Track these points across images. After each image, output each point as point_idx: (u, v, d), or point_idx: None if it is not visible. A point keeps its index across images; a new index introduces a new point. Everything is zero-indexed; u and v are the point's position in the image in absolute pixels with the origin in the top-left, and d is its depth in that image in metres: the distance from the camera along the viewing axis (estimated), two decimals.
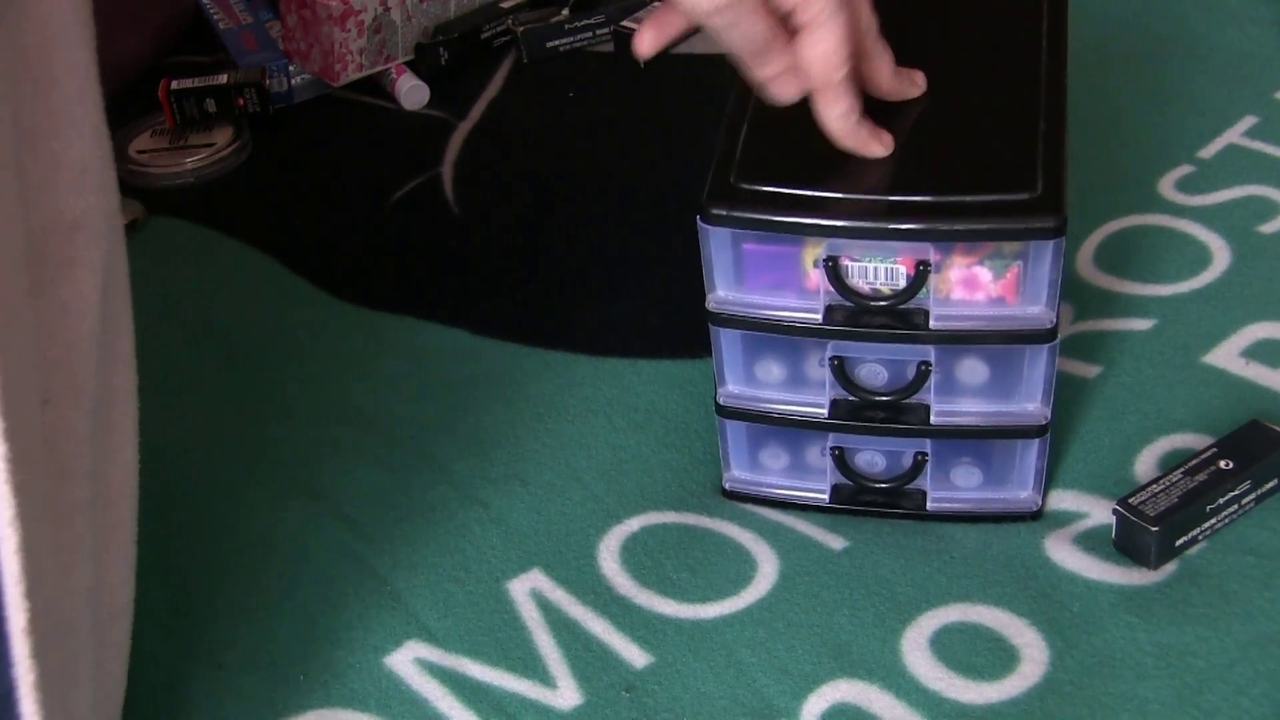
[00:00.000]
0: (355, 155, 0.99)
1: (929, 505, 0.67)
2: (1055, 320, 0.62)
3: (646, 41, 0.63)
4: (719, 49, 1.06)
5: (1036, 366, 0.64)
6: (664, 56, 1.03)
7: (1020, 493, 0.67)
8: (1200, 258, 0.80)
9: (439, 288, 0.85)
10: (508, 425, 0.75)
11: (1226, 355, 0.74)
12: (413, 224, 0.91)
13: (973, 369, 0.64)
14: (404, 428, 0.76)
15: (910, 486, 0.67)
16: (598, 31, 1.05)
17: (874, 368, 0.65)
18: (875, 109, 0.64)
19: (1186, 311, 0.77)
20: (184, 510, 0.73)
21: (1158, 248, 0.81)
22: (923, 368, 0.64)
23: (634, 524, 0.69)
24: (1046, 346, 0.63)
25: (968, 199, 0.60)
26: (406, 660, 0.64)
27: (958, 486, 0.67)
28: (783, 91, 0.62)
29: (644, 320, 0.81)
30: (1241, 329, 0.75)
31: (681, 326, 0.80)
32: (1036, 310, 0.62)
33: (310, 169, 0.98)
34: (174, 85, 0.99)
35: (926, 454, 0.66)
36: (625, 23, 1.03)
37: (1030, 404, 0.65)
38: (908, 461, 0.67)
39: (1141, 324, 0.77)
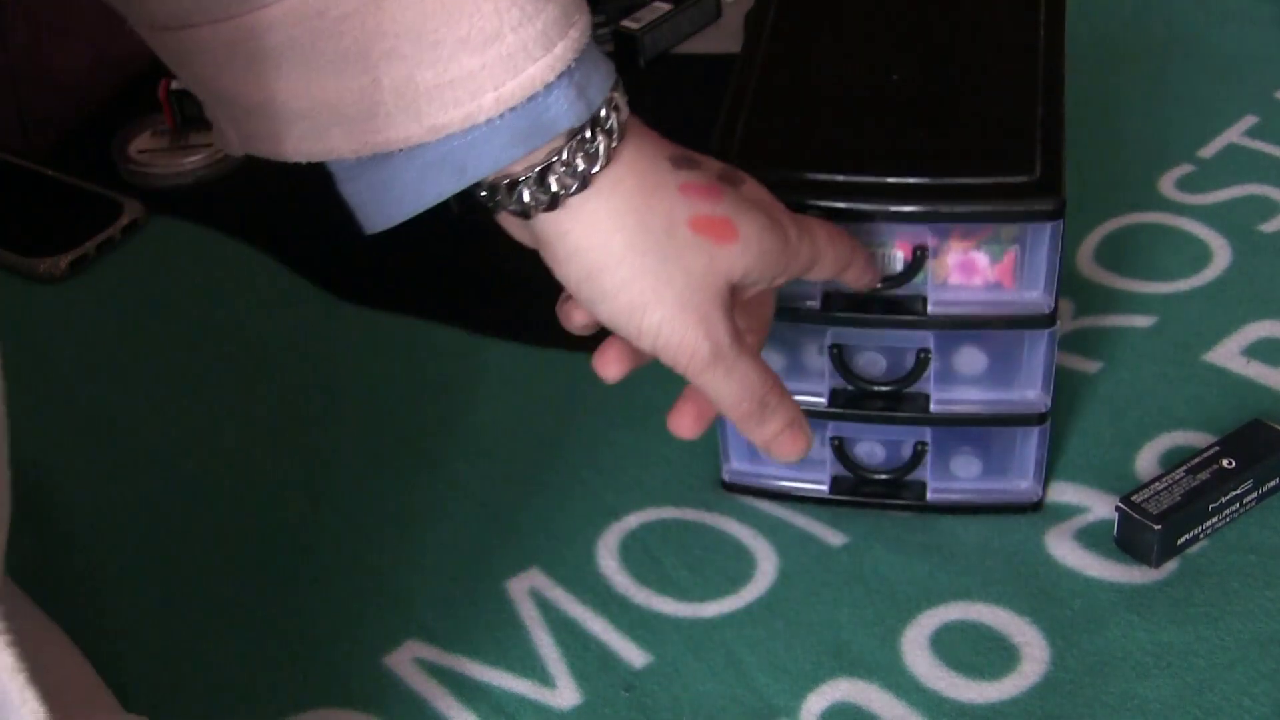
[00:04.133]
0: None
1: (929, 496, 0.67)
2: (1054, 305, 0.62)
3: (611, 365, 0.57)
4: (718, 49, 1.06)
5: (1036, 353, 0.63)
6: (664, 56, 1.03)
7: (1021, 483, 0.67)
8: (1201, 256, 0.80)
9: (439, 287, 0.85)
10: (506, 424, 0.75)
11: (1227, 354, 0.74)
12: (413, 224, 0.91)
13: (972, 357, 0.64)
14: (403, 427, 0.76)
15: (910, 477, 0.67)
16: (598, 31, 1.05)
17: (872, 356, 0.65)
18: (873, 87, 0.65)
19: (1187, 309, 0.77)
20: (182, 510, 0.73)
21: (1158, 246, 0.81)
22: (922, 355, 0.64)
23: (633, 520, 0.69)
24: (1045, 332, 0.62)
25: (966, 181, 0.60)
26: (405, 660, 0.64)
27: (958, 476, 0.67)
28: (791, 449, 0.56)
29: None
30: (1242, 327, 0.75)
31: None
32: (1034, 295, 0.62)
33: (310, 168, 0.98)
34: (174, 85, 0.98)
35: (926, 444, 0.66)
36: (625, 22, 1.03)
37: (1030, 391, 0.65)
38: (907, 452, 0.67)
39: (1142, 321, 0.76)
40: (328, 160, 0.51)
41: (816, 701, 0.61)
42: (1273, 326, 0.75)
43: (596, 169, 0.51)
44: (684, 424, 0.57)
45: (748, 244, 0.53)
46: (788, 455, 0.57)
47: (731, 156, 0.63)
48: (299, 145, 0.50)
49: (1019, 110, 0.63)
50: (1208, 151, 0.87)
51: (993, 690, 0.60)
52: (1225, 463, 0.65)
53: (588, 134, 0.50)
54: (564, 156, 0.50)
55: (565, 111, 0.49)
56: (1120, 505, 0.64)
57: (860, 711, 0.60)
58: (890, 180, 0.61)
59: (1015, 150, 0.61)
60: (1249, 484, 0.65)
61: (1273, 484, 0.66)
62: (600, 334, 0.56)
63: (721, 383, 0.54)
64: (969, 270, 0.62)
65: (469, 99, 0.48)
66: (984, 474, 0.67)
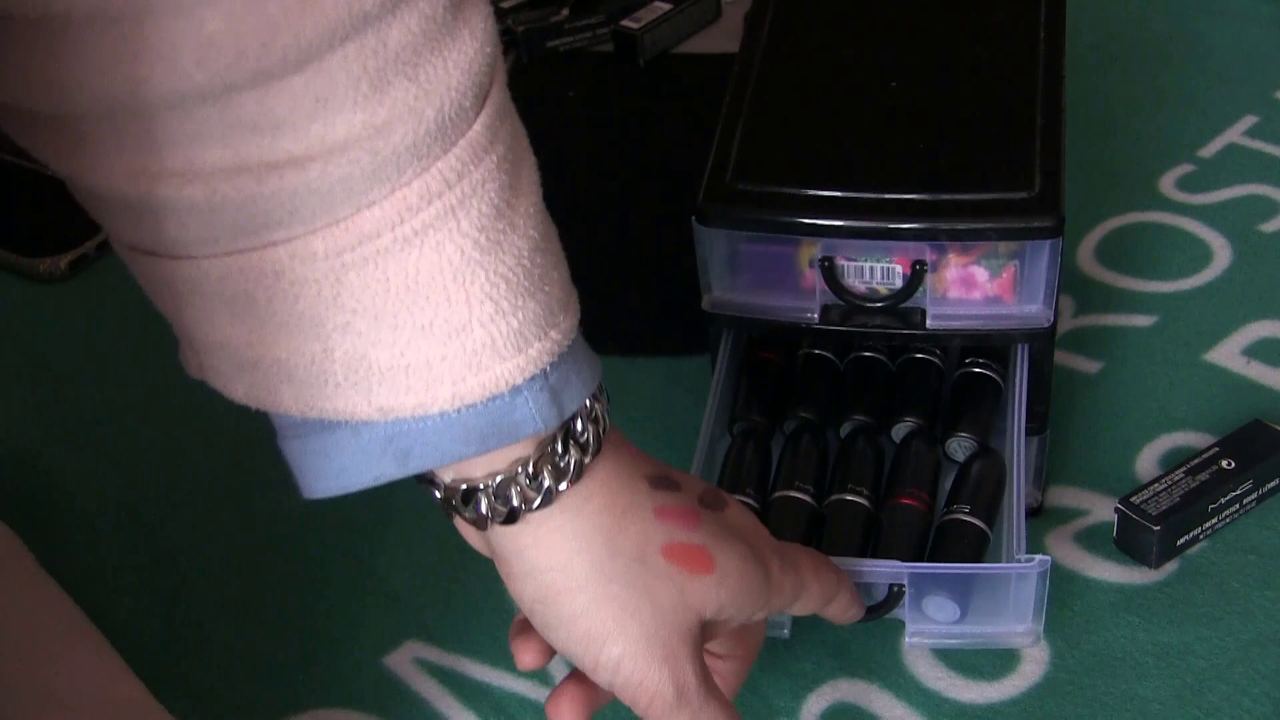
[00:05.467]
0: None
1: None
2: (1053, 319, 0.61)
3: (565, 712, 0.51)
4: (718, 49, 1.06)
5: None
6: (664, 56, 1.03)
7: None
8: (1201, 256, 0.80)
9: None
10: None
11: (1228, 353, 0.74)
12: None
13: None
14: None
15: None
16: (598, 31, 1.05)
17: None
18: (872, 94, 0.64)
19: (1187, 309, 0.77)
20: (183, 510, 0.73)
21: (1159, 245, 0.81)
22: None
23: None
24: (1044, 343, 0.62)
25: (964, 198, 0.60)
26: (406, 660, 0.64)
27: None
28: None
29: (641, 318, 0.81)
30: (1242, 327, 0.75)
31: (679, 324, 0.80)
32: (1034, 309, 0.62)
33: None
34: None
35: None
36: (625, 22, 1.03)
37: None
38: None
39: (1143, 320, 0.76)
40: (274, 413, 0.47)
41: (816, 702, 0.61)
42: (1273, 326, 0.75)
43: (564, 485, 0.46)
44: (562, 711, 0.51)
45: (725, 576, 0.48)
46: None
47: (729, 171, 0.62)
48: (249, 392, 0.46)
49: (1018, 122, 0.63)
50: (1208, 151, 0.87)
51: (993, 690, 0.60)
52: (1225, 463, 0.65)
53: (558, 446, 0.46)
54: (529, 469, 0.45)
55: (531, 417, 0.45)
56: (1120, 506, 0.64)
57: (860, 711, 0.60)
58: (888, 196, 0.60)
59: (1014, 165, 0.61)
60: (1249, 484, 0.65)
61: (1273, 484, 0.66)
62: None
63: None
64: (968, 284, 0.62)
65: (423, 388, 0.44)
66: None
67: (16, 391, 0.81)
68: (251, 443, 0.76)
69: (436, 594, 0.67)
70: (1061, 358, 0.73)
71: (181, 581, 0.69)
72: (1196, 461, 0.65)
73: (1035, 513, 0.67)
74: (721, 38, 1.04)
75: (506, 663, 0.63)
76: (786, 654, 0.62)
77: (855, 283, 0.62)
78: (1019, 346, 0.63)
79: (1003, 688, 0.60)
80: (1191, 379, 0.73)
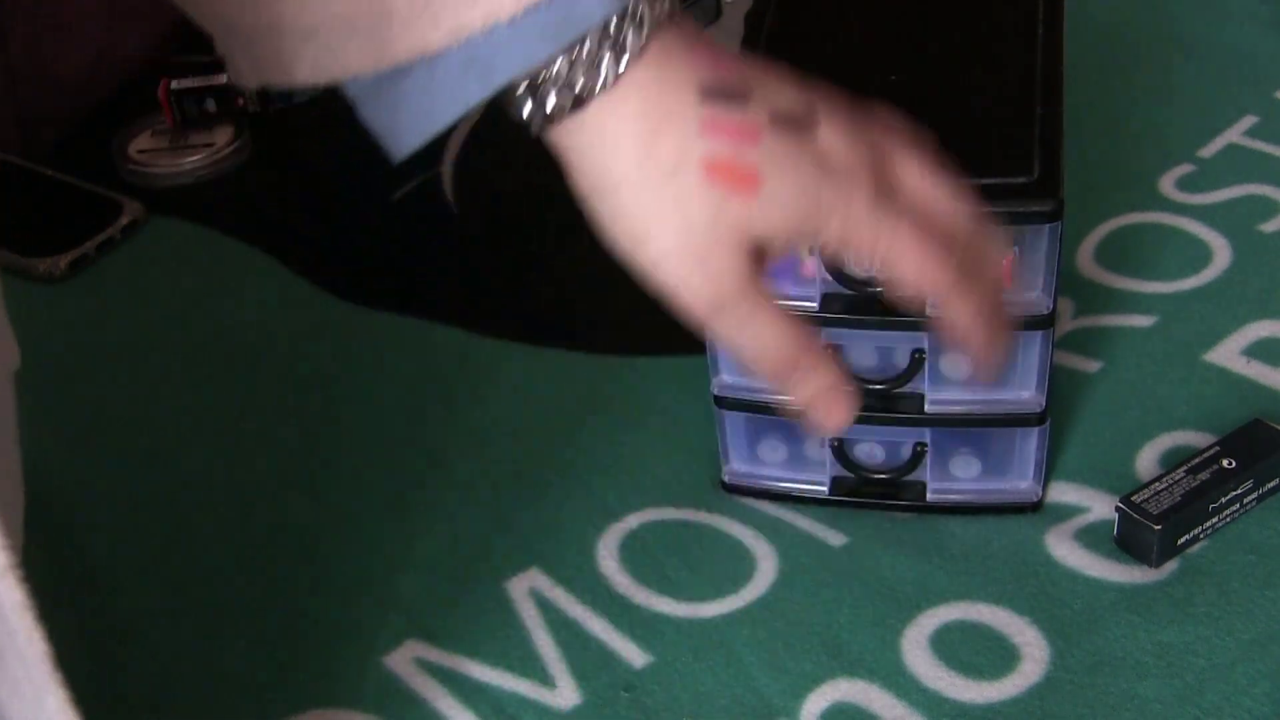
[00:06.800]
0: (355, 155, 0.99)
1: (929, 496, 0.67)
2: (1052, 306, 0.62)
3: None
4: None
5: (1031, 353, 0.64)
6: None
7: (1020, 483, 0.67)
8: (1201, 256, 0.80)
9: (439, 287, 0.85)
10: (506, 424, 0.75)
11: (1228, 353, 0.74)
12: (413, 224, 0.91)
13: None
14: (403, 427, 0.76)
15: (910, 478, 0.67)
16: None
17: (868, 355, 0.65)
18: (871, 87, 0.64)
19: (1187, 309, 0.77)
20: (182, 510, 0.73)
21: (1158, 245, 0.81)
22: (916, 356, 0.63)
23: (633, 521, 0.69)
24: (1041, 334, 0.62)
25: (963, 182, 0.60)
26: (405, 660, 0.64)
27: (957, 477, 0.67)
28: (831, 417, 0.51)
29: (641, 317, 0.81)
30: (1242, 327, 0.75)
31: (679, 324, 0.80)
32: (1033, 296, 0.62)
33: (310, 169, 0.98)
34: (174, 85, 0.99)
35: (926, 444, 0.66)
36: None
37: (1025, 391, 0.65)
38: (907, 452, 0.67)
39: (1142, 320, 0.76)
40: (344, 80, 0.47)
41: (816, 701, 0.61)
42: (1273, 326, 0.75)
43: (623, 67, 0.46)
44: None
45: (770, 202, 0.47)
46: (825, 423, 0.50)
47: None
48: (315, 66, 0.47)
49: (1017, 111, 0.63)
50: (1208, 151, 0.87)
51: (993, 690, 0.60)
52: (1225, 463, 0.65)
53: (613, 26, 0.45)
54: (588, 47, 0.45)
55: (600, 2, 0.45)
56: (1120, 505, 0.64)
57: (860, 711, 0.60)
58: None
59: (1013, 151, 0.61)
60: (1249, 484, 0.65)
61: (1273, 484, 0.66)
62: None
63: (734, 335, 0.49)
64: None
65: None
66: (983, 474, 0.67)
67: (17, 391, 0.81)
68: (252, 442, 0.77)
69: (436, 594, 0.67)
70: (1061, 357, 0.73)
71: (181, 582, 0.69)
72: (1197, 461, 0.65)
73: (1035, 508, 0.67)
74: (721, 38, 1.04)
75: (506, 663, 0.63)
76: (786, 653, 0.62)
77: (855, 269, 0.62)
78: (1018, 335, 0.63)
79: (1003, 687, 0.60)
80: (1191, 379, 0.73)
